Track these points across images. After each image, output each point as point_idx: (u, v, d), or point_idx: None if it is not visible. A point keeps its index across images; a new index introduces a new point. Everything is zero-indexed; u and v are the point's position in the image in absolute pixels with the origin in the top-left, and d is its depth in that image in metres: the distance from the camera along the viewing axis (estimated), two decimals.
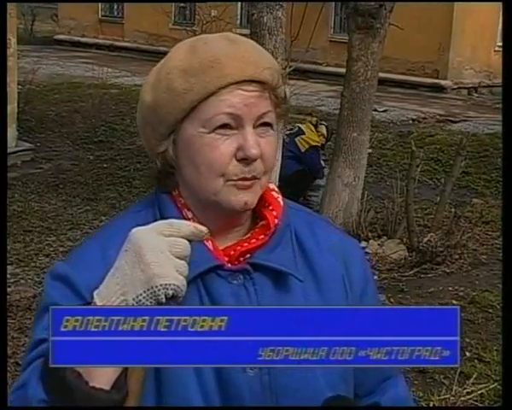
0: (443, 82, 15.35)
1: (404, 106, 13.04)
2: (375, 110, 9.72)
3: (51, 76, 13.99)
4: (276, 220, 1.13)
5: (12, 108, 7.32)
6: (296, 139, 7.04)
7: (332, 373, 1.11)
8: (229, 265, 1.11)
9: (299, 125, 7.24)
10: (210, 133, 1.06)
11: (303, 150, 7.04)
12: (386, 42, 6.19)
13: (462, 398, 3.76)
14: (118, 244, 1.03)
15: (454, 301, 5.09)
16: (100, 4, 21.01)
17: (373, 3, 5.87)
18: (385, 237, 6.09)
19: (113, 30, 20.27)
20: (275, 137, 1.11)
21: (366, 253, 5.94)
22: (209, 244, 1.09)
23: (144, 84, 1.14)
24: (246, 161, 1.06)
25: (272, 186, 1.17)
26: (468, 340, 4.42)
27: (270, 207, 1.15)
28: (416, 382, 4.00)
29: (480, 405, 3.72)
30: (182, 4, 19.16)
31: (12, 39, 7.20)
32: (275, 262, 1.10)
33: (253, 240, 1.12)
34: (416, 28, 14.22)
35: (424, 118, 11.97)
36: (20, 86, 8.39)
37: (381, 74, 6.39)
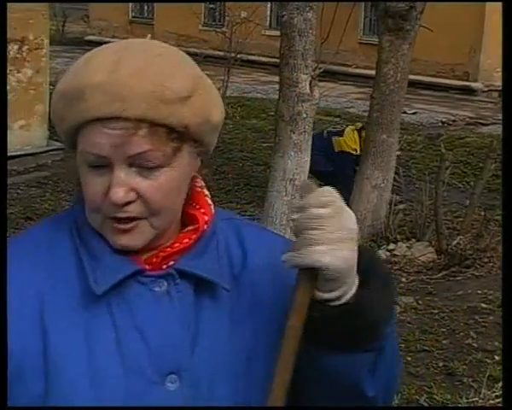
0: (473, 84, 15.23)
1: (434, 108, 12.99)
2: (405, 112, 9.69)
3: None
4: (206, 226, 1.05)
5: (43, 108, 7.46)
6: (333, 138, 6.99)
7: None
8: (152, 271, 1.03)
9: (346, 128, 7.19)
10: (85, 167, 0.98)
11: (336, 150, 6.96)
12: (415, 44, 6.19)
13: (491, 401, 3.75)
14: (40, 251, 1.03)
15: (483, 305, 5.08)
16: (130, 5, 21.28)
17: (403, 5, 5.88)
18: (413, 240, 6.09)
19: (143, 31, 20.43)
20: (169, 174, 0.98)
21: (394, 255, 5.94)
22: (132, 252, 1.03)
23: None
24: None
25: (206, 192, 1.10)
26: (496, 343, 4.40)
27: (202, 211, 1.07)
28: (443, 384, 4.02)
29: None
30: (211, 5, 19.31)
31: (45, 40, 7.35)
32: (201, 269, 1.03)
33: (177, 244, 1.04)
34: (447, 30, 14.13)
35: (454, 121, 11.92)
36: (51, 86, 8.50)
37: (411, 77, 6.40)
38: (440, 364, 4.26)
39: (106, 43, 1.05)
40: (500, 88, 15.56)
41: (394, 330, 1.08)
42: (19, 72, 7.24)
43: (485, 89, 15.31)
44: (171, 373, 1.00)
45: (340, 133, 7.10)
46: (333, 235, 0.94)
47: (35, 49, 7.25)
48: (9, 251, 1.03)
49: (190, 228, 1.06)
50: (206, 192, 1.09)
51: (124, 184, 0.96)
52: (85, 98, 0.94)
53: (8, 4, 7.23)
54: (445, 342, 4.53)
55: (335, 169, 6.92)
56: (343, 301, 0.98)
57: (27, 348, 0.98)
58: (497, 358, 4.24)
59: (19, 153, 7.45)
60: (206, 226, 1.05)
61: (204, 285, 1.04)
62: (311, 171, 5.28)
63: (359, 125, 7.23)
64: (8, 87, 7.14)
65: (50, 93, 8.86)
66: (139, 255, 1.03)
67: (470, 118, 12.21)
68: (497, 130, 10.96)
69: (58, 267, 1.01)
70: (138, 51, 0.98)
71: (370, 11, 16.22)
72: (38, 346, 0.98)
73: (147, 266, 1.03)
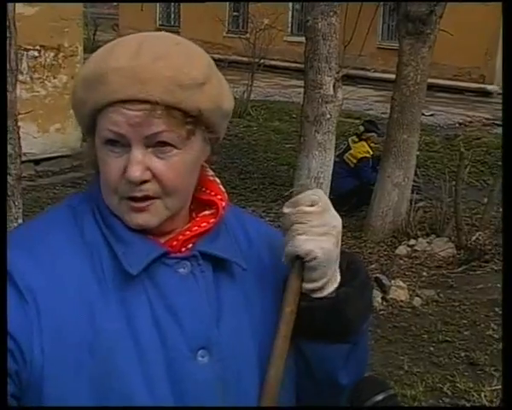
0: (489, 87, 15.33)
1: (451, 110, 13.09)
2: (423, 114, 9.86)
3: None
4: (223, 211, 1.11)
5: None
6: (344, 157, 7.24)
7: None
8: (176, 253, 1.08)
9: (348, 141, 7.42)
10: (103, 146, 1.02)
11: (352, 166, 7.21)
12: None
13: None
14: (54, 238, 1.05)
15: None
16: (158, 14, 21.84)
17: (423, 10, 6.04)
18: (433, 236, 6.24)
19: None
20: (182, 157, 1.03)
21: (414, 250, 6.11)
22: (150, 236, 1.07)
23: None
24: (131, 181, 1.02)
25: (218, 181, 1.15)
26: None
27: (219, 197, 1.13)
28: (466, 373, 4.15)
29: None
30: (235, 13, 19.64)
31: (79, 47, 7.62)
32: (220, 250, 1.09)
33: (195, 228, 1.09)
34: (463, 34, 14.23)
35: (470, 121, 12.02)
36: None
37: (428, 80, 6.54)
38: (462, 354, 4.37)
39: None
40: None
41: (368, 327, 1.18)
42: (55, 78, 7.47)
43: (501, 91, 15.41)
44: (201, 348, 1.05)
45: (347, 148, 7.32)
46: (315, 228, 1.05)
47: (70, 56, 7.52)
48: (44, 230, 1.07)
49: (207, 212, 1.11)
50: (218, 181, 1.14)
51: (140, 163, 1.00)
52: (107, 82, 0.99)
53: (46, 13, 7.50)
54: (466, 333, 4.65)
55: (358, 182, 7.10)
56: (324, 293, 1.08)
57: (78, 325, 1.01)
58: None
59: (55, 154, 7.72)
60: (223, 211, 1.11)
61: (221, 266, 1.09)
62: (335, 195, 5.38)
63: (361, 130, 7.43)
64: (45, 92, 7.44)
65: None
66: (158, 239, 1.07)
67: (486, 119, 12.29)
68: None
69: (94, 251, 1.05)
70: (158, 40, 1.03)
71: (389, 17, 16.41)
72: (86, 322, 1.01)
73: (170, 249, 1.07)
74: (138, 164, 1.00)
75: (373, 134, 7.36)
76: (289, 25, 18.12)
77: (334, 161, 6.75)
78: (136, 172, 1.00)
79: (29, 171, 7.31)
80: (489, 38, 15.00)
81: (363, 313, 1.12)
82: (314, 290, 1.08)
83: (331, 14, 5.10)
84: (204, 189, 1.12)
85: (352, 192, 6.96)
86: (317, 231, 1.05)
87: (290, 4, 18.22)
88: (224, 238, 1.11)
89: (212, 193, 1.12)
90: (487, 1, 12.82)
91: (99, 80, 0.99)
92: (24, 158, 3.21)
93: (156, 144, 1.00)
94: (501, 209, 6.28)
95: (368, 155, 7.28)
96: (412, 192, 6.62)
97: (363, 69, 15.37)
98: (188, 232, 1.08)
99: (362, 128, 7.47)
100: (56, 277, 1.02)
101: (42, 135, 7.57)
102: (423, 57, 6.18)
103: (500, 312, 4.91)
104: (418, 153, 7.29)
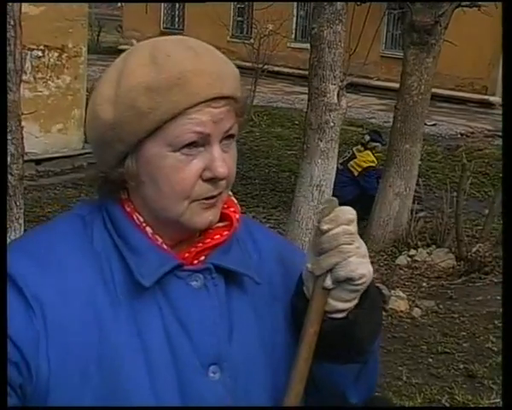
0: (491, 98, 15.36)
1: (453, 121, 13.13)
2: (425, 124, 9.87)
3: None
4: (237, 224, 1.10)
5: (80, 112, 7.74)
6: (349, 165, 7.24)
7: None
8: (188, 266, 1.06)
9: (353, 149, 7.43)
10: (175, 152, 0.99)
11: (356, 174, 7.21)
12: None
13: None
14: (64, 247, 1.03)
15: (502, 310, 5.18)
16: (162, 16, 21.90)
17: (429, 20, 6.05)
18: (434, 246, 6.24)
19: None
20: (234, 147, 1.06)
21: (414, 261, 6.11)
22: (164, 246, 1.05)
23: (97, 97, 1.03)
24: (213, 180, 1.01)
25: (230, 192, 1.11)
26: None
27: (232, 209, 1.11)
28: (464, 386, 4.13)
29: None
30: (239, 18, 19.70)
31: (83, 48, 7.66)
32: (233, 263, 1.07)
33: (208, 240, 1.07)
34: (467, 45, 14.27)
35: (472, 132, 12.04)
36: (87, 93, 8.79)
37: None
38: (461, 366, 4.35)
39: None
40: None
41: (378, 345, 1.16)
42: (58, 78, 7.51)
43: None
44: (212, 364, 1.03)
45: (352, 157, 7.31)
46: (359, 250, 1.03)
47: (73, 57, 7.56)
48: (55, 242, 1.04)
49: (220, 224, 1.08)
50: (230, 193, 1.11)
51: (223, 159, 1.01)
52: (190, 83, 0.97)
53: (50, 13, 7.56)
54: (465, 345, 4.64)
55: (362, 191, 7.09)
56: (345, 314, 1.05)
57: (86, 338, 0.99)
58: None
59: (56, 155, 7.74)
60: (237, 224, 1.09)
61: (232, 279, 1.08)
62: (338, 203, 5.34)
63: (366, 139, 7.43)
64: (48, 92, 7.48)
65: (87, 99, 9.12)
66: (171, 250, 1.05)
67: (488, 130, 12.32)
68: None
69: (103, 261, 1.02)
70: (194, 41, 1.04)
71: (393, 26, 16.45)
72: (95, 335, 0.99)
73: (183, 261, 1.05)
74: (222, 160, 1.00)
75: (378, 144, 7.36)
76: (293, 31, 18.22)
77: (338, 169, 6.75)
78: (224, 168, 1.00)
79: (30, 170, 7.32)
80: (492, 50, 15.03)
81: (373, 333, 1.10)
82: (341, 311, 1.05)
83: (337, 22, 5.08)
84: None
85: (355, 201, 6.93)
86: (361, 252, 1.03)
87: (295, 11, 18.32)
88: (236, 251, 1.09)
89: (225, 206, 1.10)
90: (488, 1, 12.82)
91: (175, 83, 0.97)
92: (25, 157, 3.19)
93: (226, 138, 1.02)
94: (501, 221, 6.29)
95: (373, 165, 7.29)
96: (413, 202, 6.62)
97: (366, 77, 15.39)
98: (200, 244, 1.07)
99: (367, 138, 7.48)
100: (64, 286, 1.00)
101: (44, 135, 7.59)
102: (427, 67, 6.20)
103: (499, 324, 4.87)
104: (419, 162, 7.29)
